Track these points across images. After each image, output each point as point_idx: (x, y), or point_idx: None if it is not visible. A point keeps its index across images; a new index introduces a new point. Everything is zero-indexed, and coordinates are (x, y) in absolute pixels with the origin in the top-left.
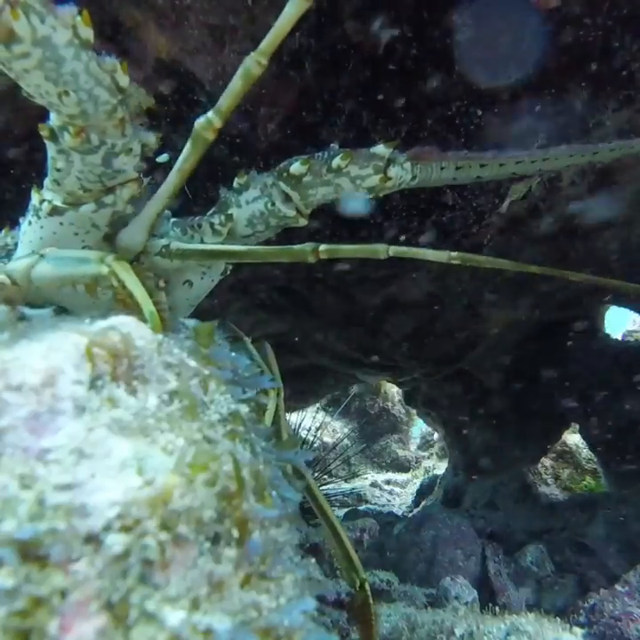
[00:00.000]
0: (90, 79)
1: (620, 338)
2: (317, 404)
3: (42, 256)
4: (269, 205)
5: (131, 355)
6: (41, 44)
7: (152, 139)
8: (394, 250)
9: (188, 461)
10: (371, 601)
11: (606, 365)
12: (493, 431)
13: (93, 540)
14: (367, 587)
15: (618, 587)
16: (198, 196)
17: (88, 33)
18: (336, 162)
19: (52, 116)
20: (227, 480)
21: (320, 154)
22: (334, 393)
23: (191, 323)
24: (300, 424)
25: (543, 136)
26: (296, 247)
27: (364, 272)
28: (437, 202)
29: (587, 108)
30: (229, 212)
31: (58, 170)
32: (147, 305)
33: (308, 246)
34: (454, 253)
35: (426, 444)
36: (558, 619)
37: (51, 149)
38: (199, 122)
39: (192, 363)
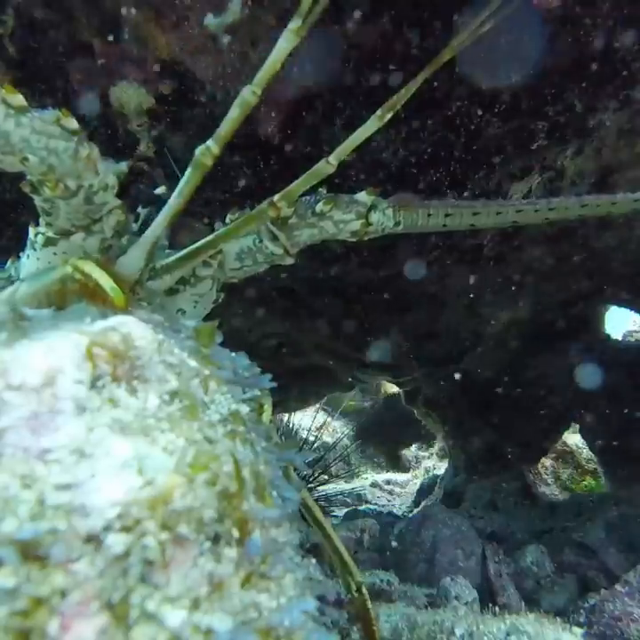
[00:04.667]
0: (40, 137)
1: (620, 338)
2: (317, 405)
3: (22, 281)
4: (257, 242)
5: (131, 355)
6: None
7: (124, 168)
8: (335, 156)
9: (188, 461)
10: (369, 605)
11: (606, 365)
12: (493, 431)
13: (94, 539)
14: (364, 590)
15: (618, 587)
16: (198, 196)
17: (19, 99)
18: (319, 207)
19: (28, 175)
20: (227, 480)
21: (307, 197)
22: (334, 393)
23: (191, 323)
24: (300, 424)
25: (543, 136)
26: (255, 211)
27: (365, 273)
28: None
29: (587, 108)
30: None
31: (47, 214)
32: (107, 282)
33: (264, 205)
34: (379, 112)
35: (426, 444)
36: (558, 619)
37: (36, 200)
38: (199, 149)
39: (192, 363)
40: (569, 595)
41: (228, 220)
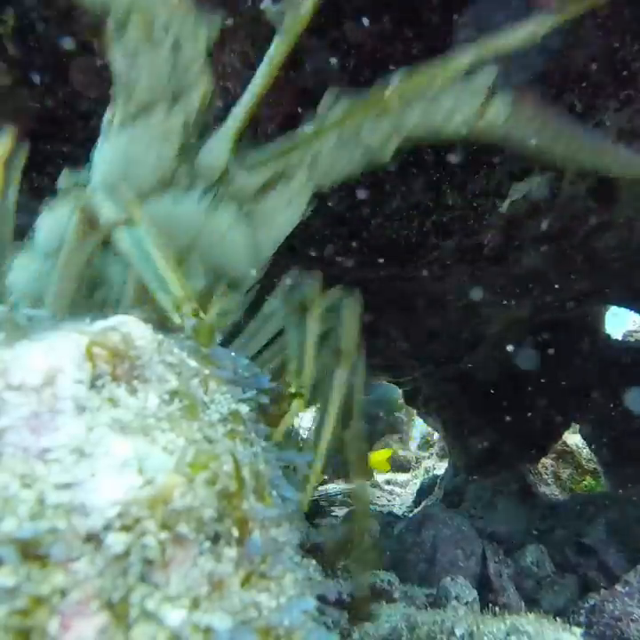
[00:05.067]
0: None
1: (620, 338)
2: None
3: (133, 224)
4: (354, 134)
5: (131, 354)
6: None
7: (218, 19)
8: (474, 51)
9: (188, 461)
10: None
11: (606, 365)
12: (493, 431)
13: (94, 539)
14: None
15: (618, 587)
16: None
17: None
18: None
19: (110, 20)
20: (227, 479)
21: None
22: None
23: (191, 323)
24: (300, 425)
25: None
26: (361, 102)
27: (365, 273)
28: (437, 202)
29: (587, 108)
30: None
31: (124, 80)
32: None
33: (374, 94)
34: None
35: (426, 444)
36: (558, 619)
37: (116, 55)
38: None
39: (192, 362)
40: (569, 595)
41: (320, 108)
